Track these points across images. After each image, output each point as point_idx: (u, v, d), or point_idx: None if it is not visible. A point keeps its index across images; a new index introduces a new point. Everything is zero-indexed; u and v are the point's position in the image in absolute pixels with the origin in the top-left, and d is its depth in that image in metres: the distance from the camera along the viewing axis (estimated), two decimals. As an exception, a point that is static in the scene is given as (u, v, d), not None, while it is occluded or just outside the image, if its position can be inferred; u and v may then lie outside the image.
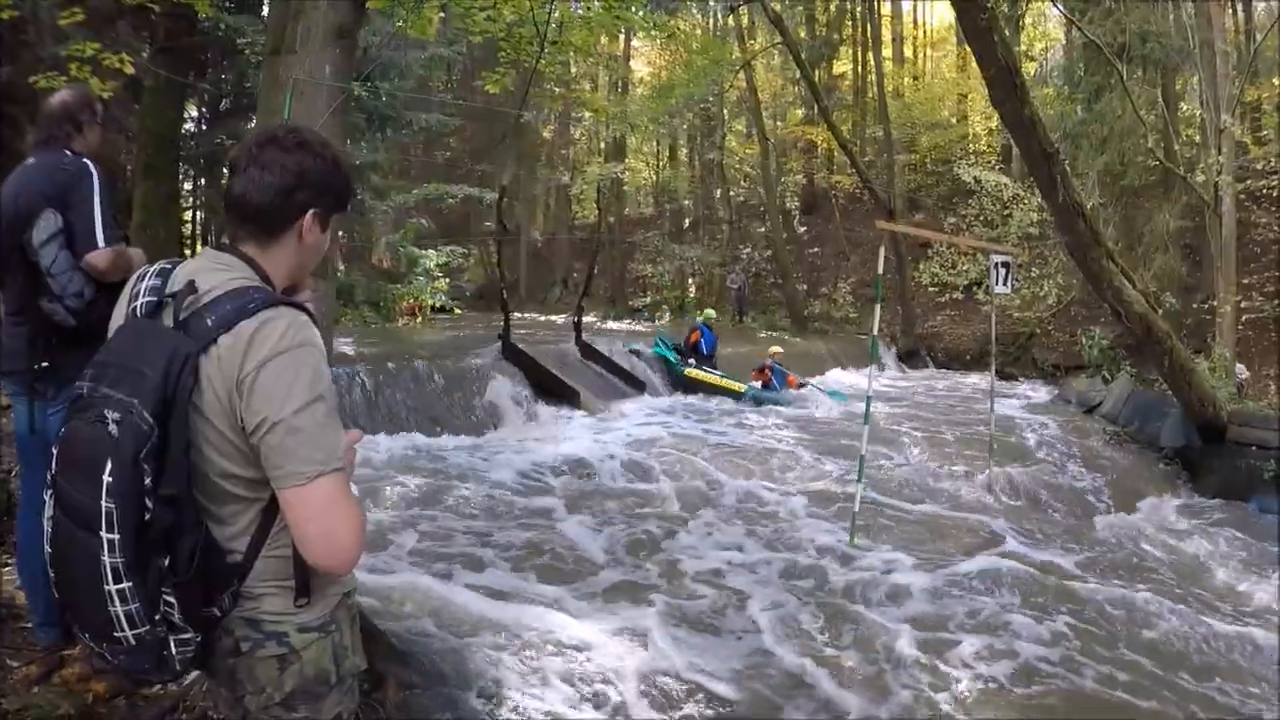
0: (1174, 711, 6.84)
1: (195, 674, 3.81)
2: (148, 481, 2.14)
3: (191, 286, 2.29)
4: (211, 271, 2.33)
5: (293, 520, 2.22)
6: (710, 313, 23.24)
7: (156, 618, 2.21)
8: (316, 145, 2.43)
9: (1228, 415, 15.25)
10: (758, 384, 20.86)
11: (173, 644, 2.26)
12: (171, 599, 2.22)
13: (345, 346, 16.73)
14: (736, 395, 19.98)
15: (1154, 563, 10.98)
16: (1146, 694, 7.09)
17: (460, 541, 9.14)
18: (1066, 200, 13.41)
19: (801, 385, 21.32)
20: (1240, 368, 21.88)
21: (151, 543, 2.17)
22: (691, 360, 21.21)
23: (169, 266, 2.41)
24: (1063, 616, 8.53)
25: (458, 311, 33.26)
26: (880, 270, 11.21)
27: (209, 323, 2.21)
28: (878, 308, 11.34)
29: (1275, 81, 28.52)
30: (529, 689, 6.01)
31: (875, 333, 11.33)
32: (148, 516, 2.14)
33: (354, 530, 2.26)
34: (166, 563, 2.20)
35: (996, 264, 12.26)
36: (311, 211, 2.42)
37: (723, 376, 20.63)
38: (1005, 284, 12.47)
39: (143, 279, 2.38)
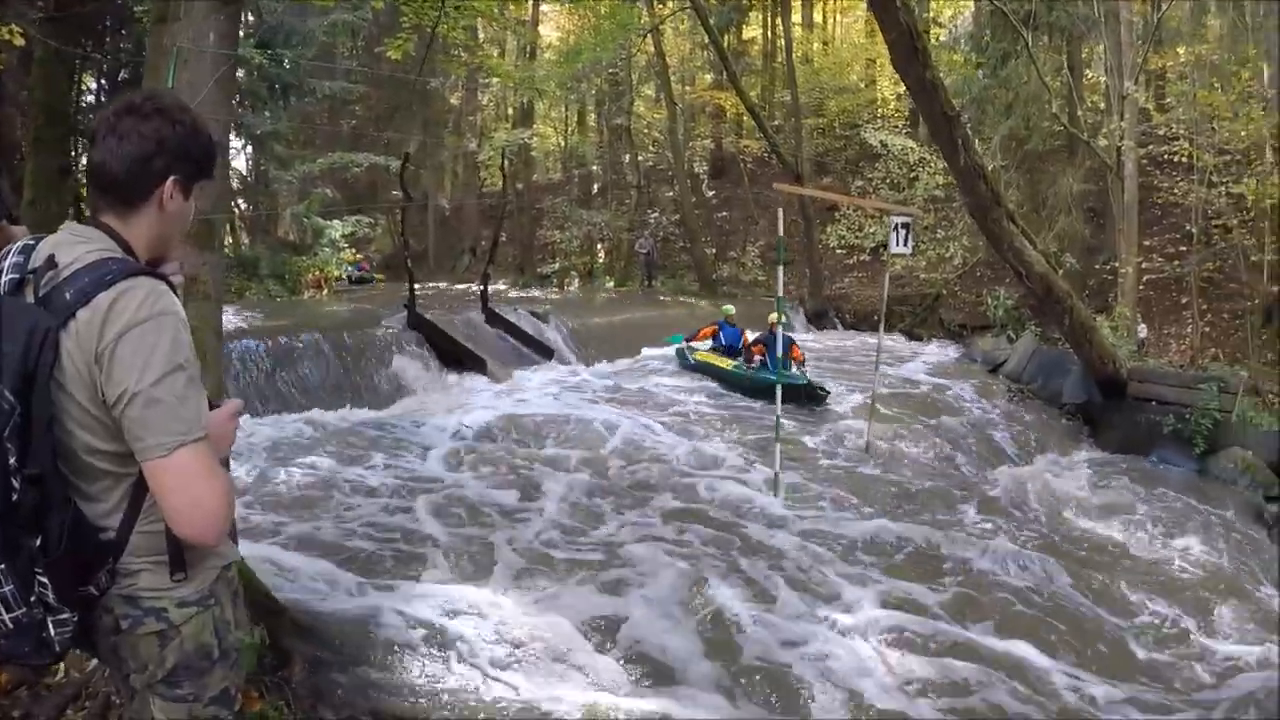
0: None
1: (95, 661, 3.78)
2: (12, 461, 2.09)
3: (51, 261, 2.24)
4: (71, 245, 2.28)
5: (157, 493, 2.20)
6: (729, 308, 20.08)
7: (32, 599, 2.17)
8: (174, 111, 2.39)
9: (1128, 372, 15.61)
10: (749, 365, 17.59)
11: (51, 625, 2.23)
12: (45, 580, 2.18)
13: (248, 321, 16.52)
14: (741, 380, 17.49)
15: (1051, 515, 11.26)
16: (1039, 644, 7.31)
17: (364, 516, 9.10)
18: (968, 163, 13.57)
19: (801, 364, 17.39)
20: (1142, 326, 22.30)
21: (20, 524, 2.12)
22: (694, 345, 19.52)
23: (32, 243, 2.36)
24: (952, 578, 8.74)
25: (380, 280, 32.98)
26: (781, 233, 11.28)
27: (67, 297, 2.17)
28: (780, 270, 11.48)
29: (1179, 50, 28.90)
30: (435, 659, 6.05)
31: (780, 294, 11.45)
32: (14, 497, 2.10)
33: (218, 501, 2.23)
34: (37, 543, 2.16)
35: (897, 225, 12.38)
36: (171, 179, 2.37)
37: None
38: (905, 244, 12.60)
39: (6, 257, 2.33)
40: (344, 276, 29.10)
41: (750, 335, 18.46)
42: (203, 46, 4.96)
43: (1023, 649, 7.24)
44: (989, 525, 10.49)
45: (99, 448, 2.25)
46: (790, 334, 18.32)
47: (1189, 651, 7.67)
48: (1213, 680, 7.19)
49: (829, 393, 16.09)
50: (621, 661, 6.40)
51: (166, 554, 2.34)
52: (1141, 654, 7.59)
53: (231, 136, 30.16)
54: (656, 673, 6.33)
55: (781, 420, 11.28)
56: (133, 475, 2.28)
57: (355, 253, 32.06)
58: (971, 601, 8.15)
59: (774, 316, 15.20)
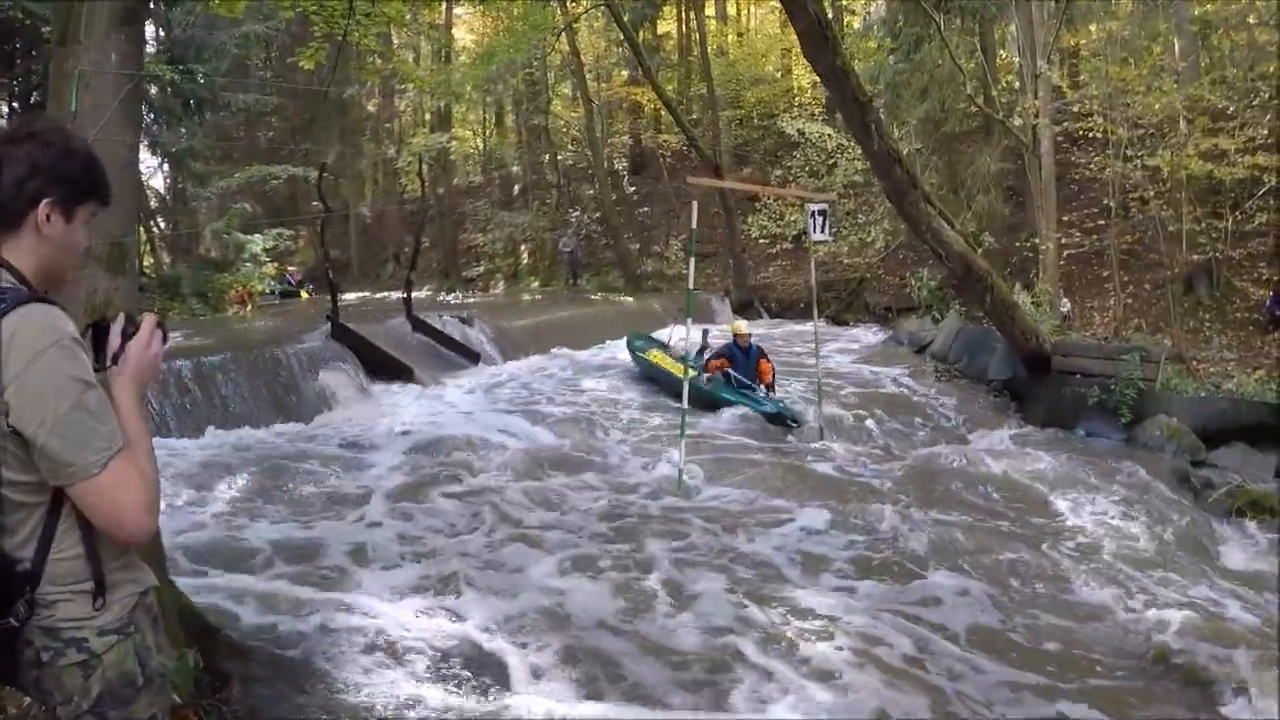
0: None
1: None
2: None
3: None
4: None
5: (90, 509, 2.22)
6: (740, 324, 16.22)
7: None
8: (48, 134, 2.36)
9: (1051, 347, 15.76)
10: (706, 376, 15.35)
11: None
12: None
13: (171, 341, 16.22)
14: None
15: (981, 490, 11.34)
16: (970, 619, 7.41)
17: (294, 532, 8.99)
18: (882, 148, 13.66)
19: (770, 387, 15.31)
20: (1065, 301, 22.60)
21: None
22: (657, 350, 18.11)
23: None
24: (882, 555, 8.84)
25: (307, 292, 32.59)
26: (694, 225, 11.30)
27: None
28: (692, 261, 11.50)
29: (1091, 28, 29.26)
30: (373, 671, 5.99)
31: (691, 286, 11.48)
32: None
33: (148, 497, 2.29)
34: None
35: (814, 213, 12.45)
36: (45, 201, 2.32)
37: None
38: (823, 231, 12.67)
39: None
40: (269, 290, 28.74)
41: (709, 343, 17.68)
42: (105, 68, 4.87)
43: (954, 624, 7.38)
44: (921, 503, 10.60)
45: (12, 479, 2.23)
46: (711, 324, 18.35)
47: (1117, 618, 7.72)
48: (1139, 642, 7.24)
49: (801, 423, 14.25)
50: (561, 665, 6.35)
51: (84, 582, 2.32)
52: (1071, 622, 7.66)
53: (147, 155, 30.01)
54: (595, 675, 6.27)
55: (687, 418, 11.37)
56: (45, 503, 2.27)
57: (277, 265, 31.68)
58: (902, 575, 8.31)
59: (738, 324, 15.93)
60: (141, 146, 28.27)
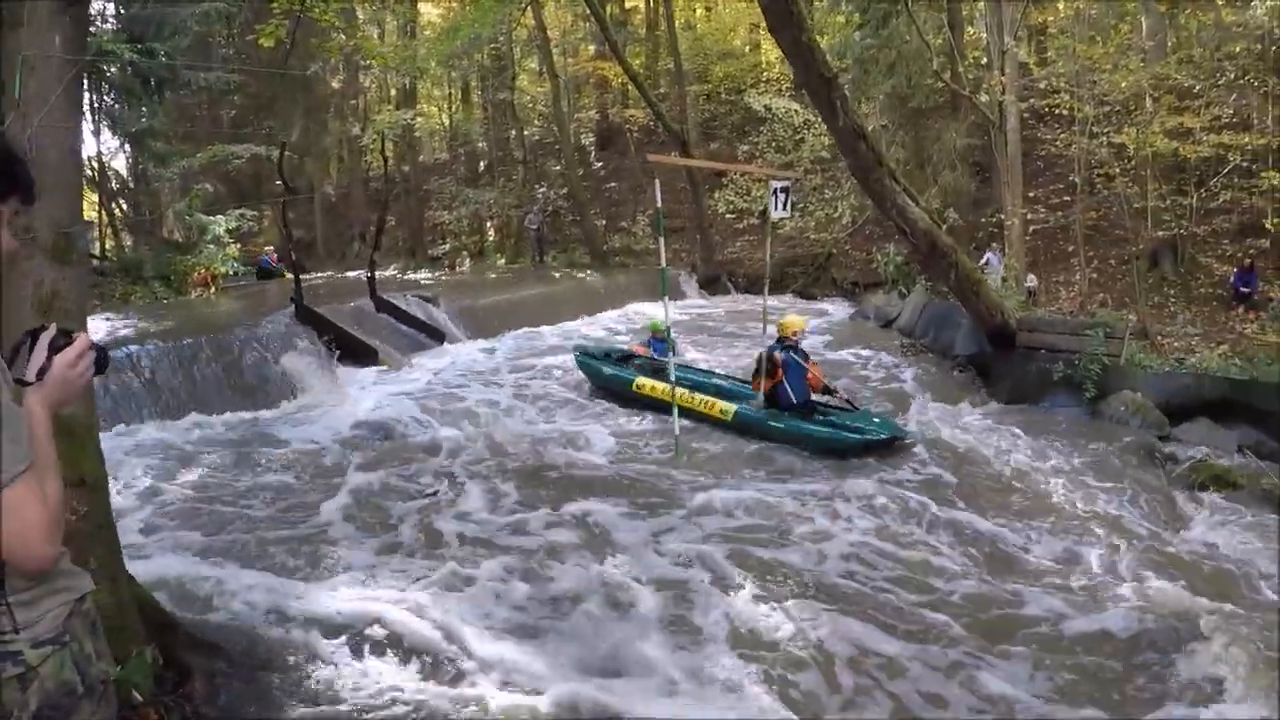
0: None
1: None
2: None
3: None
4: None
5: None
6: (659, 322, 15.70)
7: None
8: None
9: (1016, 322, 15.77)
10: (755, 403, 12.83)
11: None
12: None
13: (133, 326, 16.06)
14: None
15: (947, 464, 11.39)
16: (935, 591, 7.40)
17: (257, 519, 8.95)
18: (847, 123, 13.63)
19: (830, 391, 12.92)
20: (1030, 277, 22.67)
21: None
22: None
23: None
24: (861, 520, 8.97)
25: (287, 276, 32.18)
26: (659, 204, 11.23)
27: None
28: (661, 240, 11.47)
29: (1059, 5, 29.39)
30: (338, 661, 5.95)
31: (663, 264, 11.43)
32: None
33: (43, 529, 2.19)
34: None
35: (775, 190, 12.37)
36: None
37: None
38: (784, 209, 12.59)
39: None
40: (234, 273, 28.31)
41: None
42: (49, 52, 4.76)
43: (918, 594, 7.45)
44: (887, 475, 10.71)
45: None
46: (676, 299, 17.91)
47: (1080, 588, 7.77)
48: (1104, 614, 7.28)
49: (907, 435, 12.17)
50: (532, 654, 6.30)
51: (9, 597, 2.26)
52: (1032, 587, 7.71)
53: (108, 136, 29.67)
54: (567, 663, 6.23)
55: (678, 387, 11.35)
56: None
57: (241, 247, 31.23)
58: (866, 549, 8.31)
59: (791, 320, 12.81)
60: (102, 127, 28.13)
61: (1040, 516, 9.70)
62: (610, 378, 14.92)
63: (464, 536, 8.51)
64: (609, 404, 14.49)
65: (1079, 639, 6.86)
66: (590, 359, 15.43)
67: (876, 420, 12.36)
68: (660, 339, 15.32)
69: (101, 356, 2.44)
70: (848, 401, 12.89)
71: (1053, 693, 6.14)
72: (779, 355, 12.28)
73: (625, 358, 15.75)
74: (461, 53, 36.15)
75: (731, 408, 12.63)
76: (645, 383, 14.15)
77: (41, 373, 2.34)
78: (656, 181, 11.48)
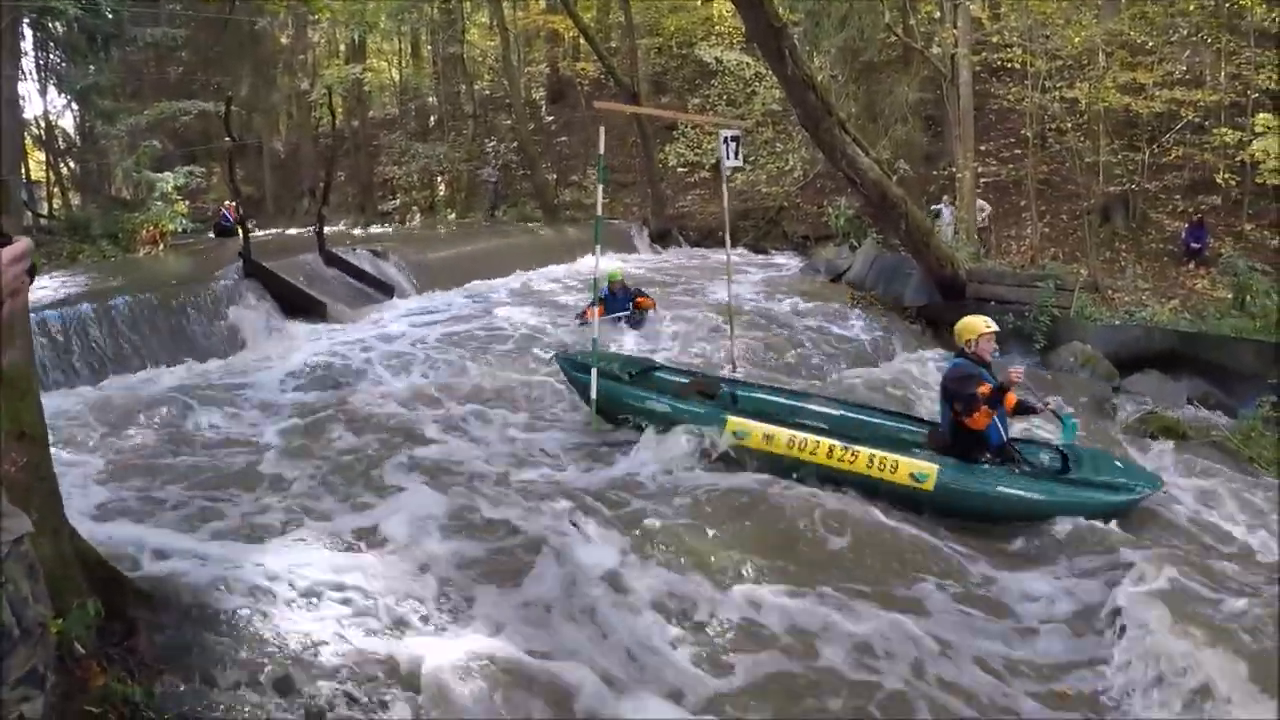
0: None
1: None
2: None
3: None
4: None
5: None
6: (616, 271, 15.81)
7: None
8: None
9: (966, 274, 15.89)
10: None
11: None
12: None
13: (81, 284, 15.83)
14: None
15: (891, 408, 11.41)
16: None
17: (203, 474, 8.85)
18: (795, 74, 13.65)
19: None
20: (983, 205, 23.24)
21: None
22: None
23: None
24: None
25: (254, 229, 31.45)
26: (601, 151, 11.11)
27: None
28: (600, 187, 11.36)
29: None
30: (285, 615, 5.88)
31: (599, 212, 11.35)
32: None
33: None
34: None
35: (726, 138, 12.30)
36: None
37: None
38: (735, 157, 12.54)
39: None
40: (182, 230, 27.84)
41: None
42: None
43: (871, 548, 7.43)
44: None
45: None
46: (628, 252, 17.55)
47: (1035, 544, 7.80)
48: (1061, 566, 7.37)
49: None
50: (467, 606, 6.30)
51: None
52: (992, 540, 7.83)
53: (54, 94, 29.21)
54: (504, 617, 6.21)
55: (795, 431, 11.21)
56: None
57: (189, 204, 30.74)
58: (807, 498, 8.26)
59: (976, 322, 8.60)
60: (49, 86, 27.70)
61: None
62: (645, 408, 9.99)
63: (407, 491, 8.43)
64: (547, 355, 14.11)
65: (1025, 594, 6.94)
66: (584, 371, 10.48)
67: (1117, 463, 8.81)
68: (618, 291, 15.33)
69: (31, 268, 2.33)
70: (1053, 413, 9.08)
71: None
72: (977, 376, 8.29)
73: (644, 371, 11.17)
74: (410, 6, 35.76)
75: (929, 468, 8.22)
76: (752, 429, 9.10)
77: None
78: (601, 129, 11.37)
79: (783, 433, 8.95)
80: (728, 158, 12.53)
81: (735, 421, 9.19)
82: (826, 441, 8.70)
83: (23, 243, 2.30)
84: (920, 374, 13.30)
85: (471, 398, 11.64)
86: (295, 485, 8.54)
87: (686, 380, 10.99)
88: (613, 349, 13.54)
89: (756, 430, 9.05)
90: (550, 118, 41.19)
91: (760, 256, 27.16)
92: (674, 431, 9.40)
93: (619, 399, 10.18)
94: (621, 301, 15.51)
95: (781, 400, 10.55)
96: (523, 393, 11.98)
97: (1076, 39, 23.17)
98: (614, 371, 10.54)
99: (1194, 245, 21.88)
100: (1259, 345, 13.31)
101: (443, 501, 8.04)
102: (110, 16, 22.49)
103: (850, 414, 10.15)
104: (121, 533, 7.02)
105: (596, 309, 11.86)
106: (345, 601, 6.15)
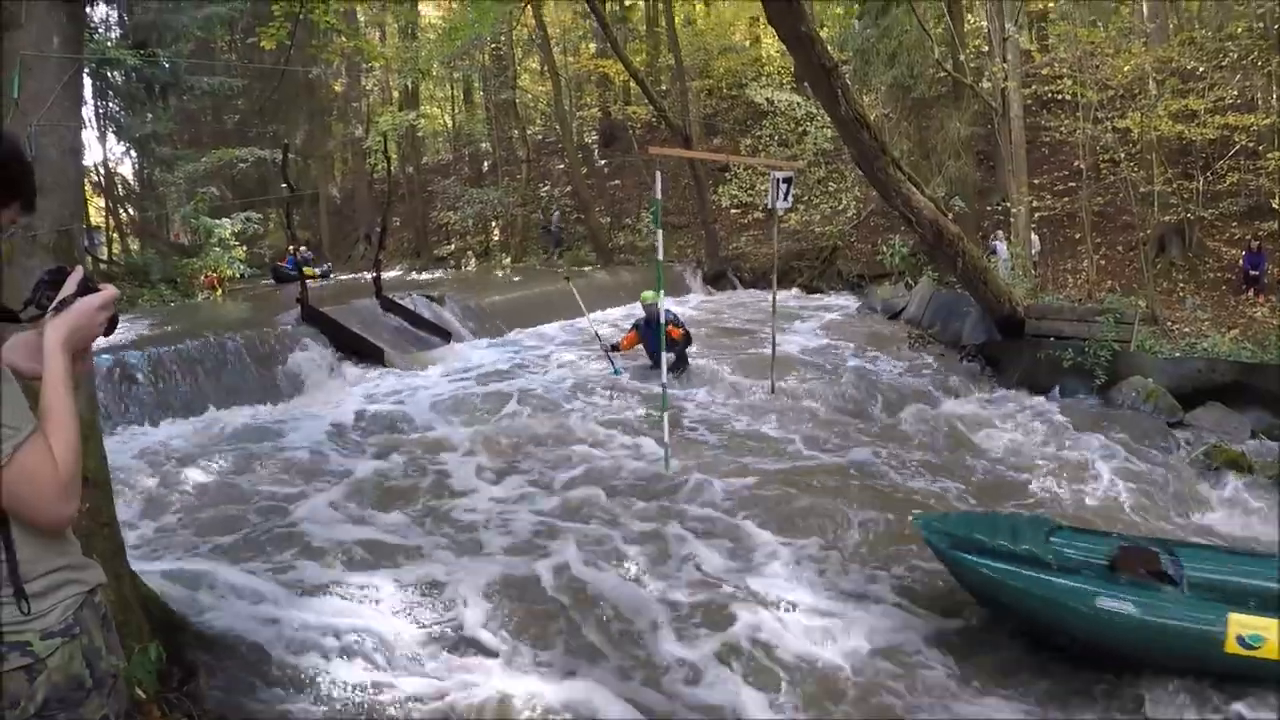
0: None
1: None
2: None
3: None
4: None
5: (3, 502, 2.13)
6: (649, 294, 14.82)
7: None
8: None
9: (1025, 310, 15.78)
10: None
11: None
12: None
13: (142, 329, 16.06)
14: None
15: (960, 450, 11.44)
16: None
17: (265, 519, 8.89)
18: (849, 113, 13.60)
19: None
20: (1034, 240, 23.13)
21: None
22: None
23: None
24: (869, 511, 8.85)
25: (316, 275, 31.41)
26: (658, 195, 11.11)
27: None
28: (659, 232, 11.32)
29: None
30: (345, 660, 5.96)
31: (659, 255, 11.27)
32: None
33: (62, 481, 2.18)
34: None
35: (777, 180, 12.30)
36: None
37: None
38: (786, 199, 12.53)
39: None
40: (240, 275, 28.06)
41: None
42: (46, 51, 4.74)
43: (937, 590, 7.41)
44: (900, 464, 10.71)
45: None
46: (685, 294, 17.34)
47: None
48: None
49: None
50: (531, 648, 6.34)
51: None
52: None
53: (113, 141, 29.73)
54: (567, 658, 6.26)
55: (668, 391, 11.16)
56: None
57: (246, 250, 31.13)
58: (887, 538, 8.29)
59: None
60: (108, 133, 28.19)
61: (1057, 501, 9.76)
62: (1065, 605, 6.32)
63: (466, 533, 8.52)
64: (611, 394, 14.11)
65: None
66: (973, 549, 6.79)
67: None
68: (653, 316, 14.34)
69: (114, 317, 2.40)
70: None
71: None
72: None
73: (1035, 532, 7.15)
74: (462, 53, 36.10)
75: None
76: (1268, 630, 5.89)
77: (61, 305, 2.30)
78: (657, 174, 11.39)
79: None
80: (779, 199, 12.53)
81: (1246, 622, 5.94)
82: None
83: (109, 291, 2.38)
84: (983, 415, 13.24)
85: (532, 442, 11.64)
86: (354, 531, 8.54)
87: (1107, 546, 7.02)
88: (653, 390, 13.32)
89: (1274, 633, 5.88)
90: (603, 161, 41.47)
91: (815, 297, 27.09)
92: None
93: (1018, 589, 6.46)
94: (656, 332, 13.34)
95: (1250, 567, 6.86)
96: (582, 437, 11.93)
97: (1126, 68, 23.12)
98: (998, 544, 6.82)
99: (1253, 272, 21.70)
100: None
101: (509, 549, 8.08)
102: (167, 66, 22.88)
103: None
104: (181, 577, 7.04)
105: (625, 338, 11.90)
106: (402, 651, 6.19)
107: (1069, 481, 10.46)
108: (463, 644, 6.30)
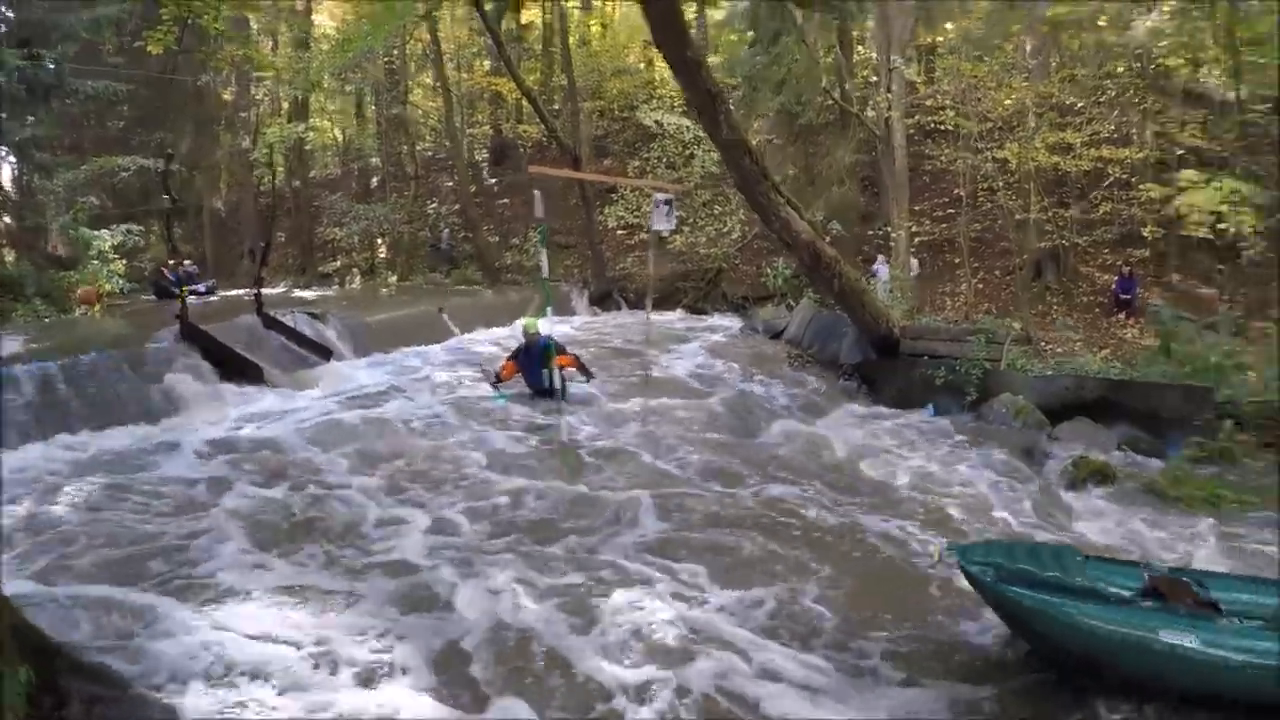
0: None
1: None
2: None
3: None
4: None
5: None
6: (532, 321, 14.93)
7: None
8: None
9: (900, 330, 16.25)
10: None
11: None
12: None
13: (10, 345, 15.61)
14: None
15: (830, 467, 11.66)
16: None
17: (138, 541, 8.73)
18: (731, 137, 13.84)
19: None
20: (914, 263, 23.98)
21: None
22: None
23: None
24: (721, 531, 9.11)
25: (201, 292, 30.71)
26: (538, 214, 11.17)
27: None
28: (543, 251, 11.36)
29: (948, 26, 30.12)
30: (219, 683, 5.96)
31: (544, 274, 11.32)
32: None
33: None
34: None
35: (658, 201, 12.42)
36: None
37: None
38: (668, 220, 12.64)
39: None
40: (120, 290, 27.33)
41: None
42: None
43: (802, 596, 7.72)
44: (771, 481, 10.98)
45: None
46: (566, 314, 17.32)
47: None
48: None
49: None
50: (407, 667, 6.38)
51: None
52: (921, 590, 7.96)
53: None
54: (452, 677, 6.34)
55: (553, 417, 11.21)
56: None
57: (126, 264, 30.35)
58: (735, 552, 8.59)
59: None
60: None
61: (922, 512, 10.03)
62: (1119, 642, 6.15)
63: (345, 551, 8.53)
64: (497, 413, 14.10)
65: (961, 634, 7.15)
66: (1022, 583, 6.50)
67: None
68: (534, 344, 14.41)
69: None
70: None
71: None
72: None
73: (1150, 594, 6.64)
74: (354, 65, 35.79)
75: None
76: None
77: None
78: (537, 193, 11.44)
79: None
80: (658, 221, 12.65)
81: None
82: None
83: None
84: (856, 433, 13.52)
85: (406, 459, 11.61)
86: (232, 557, 8.40)
87: (1135, 576, 6.91)
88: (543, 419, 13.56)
89: None
90: (493, 179, 41.29)
91: (701, 318, 27.31)
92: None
93: (1075, 625, 6.18)
94: (537, 361, 14.49)
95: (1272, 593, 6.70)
96: (461, 455, 11.90)
97: (1007, 101, 23.79)
98: (1048, 576, 6.54)
99: (1124, 296, 22.83)
100: (1185, 389, 13.99)
101: (381, 575, 8.05)
102: (52, 68, 22.40)
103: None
104: (56, 602, 6.98)
105: (504, 366, 11.98)
106: (281, 675, 6.15)
107: (942, 495, 10.80)
108: (344, 665, 6.30)
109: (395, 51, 36.60)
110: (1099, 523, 10.38)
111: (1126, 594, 6.53)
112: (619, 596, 7.55)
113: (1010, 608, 6.45)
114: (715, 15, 37.56)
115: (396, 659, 6.44)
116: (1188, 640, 5.89)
